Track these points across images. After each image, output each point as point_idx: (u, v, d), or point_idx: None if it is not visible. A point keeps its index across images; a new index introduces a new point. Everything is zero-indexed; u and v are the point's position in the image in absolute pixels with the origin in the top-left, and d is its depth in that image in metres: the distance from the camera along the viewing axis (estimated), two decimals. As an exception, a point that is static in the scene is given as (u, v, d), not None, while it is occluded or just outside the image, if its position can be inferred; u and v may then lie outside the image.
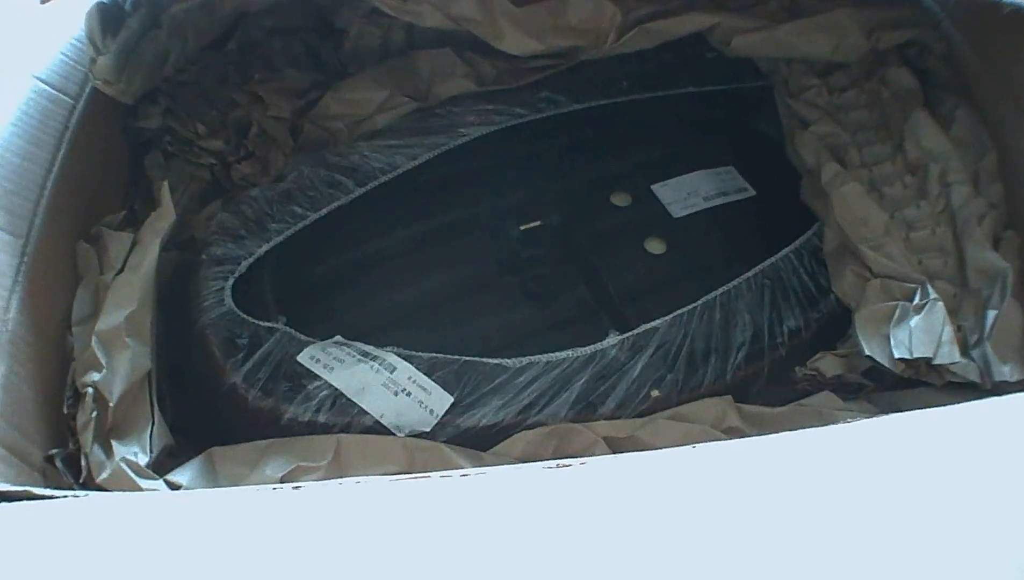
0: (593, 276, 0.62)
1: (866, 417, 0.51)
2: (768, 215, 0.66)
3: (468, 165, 0.65)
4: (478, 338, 0.58)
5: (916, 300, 0.52)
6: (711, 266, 0.62)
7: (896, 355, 0.50)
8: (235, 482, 0.46)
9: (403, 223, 0.64)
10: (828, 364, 0.54)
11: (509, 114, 0.65)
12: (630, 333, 0.54)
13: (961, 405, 0.39)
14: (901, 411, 0.41)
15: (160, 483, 0.45)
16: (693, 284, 0.59)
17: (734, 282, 0.56)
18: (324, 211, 0.59)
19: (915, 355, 0.49)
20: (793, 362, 0.56)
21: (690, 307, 0.55)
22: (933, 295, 0.51)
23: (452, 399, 0.50)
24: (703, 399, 0.51)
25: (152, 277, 0.53)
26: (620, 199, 0.67)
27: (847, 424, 0.39)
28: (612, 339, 0.54)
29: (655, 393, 0.52)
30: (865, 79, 0.64)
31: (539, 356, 0.52)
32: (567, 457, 0.48)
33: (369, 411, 0.49)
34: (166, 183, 0.56)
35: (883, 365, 0.51)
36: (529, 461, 0.49)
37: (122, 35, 0.55)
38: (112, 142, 0.62)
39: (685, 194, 0.66)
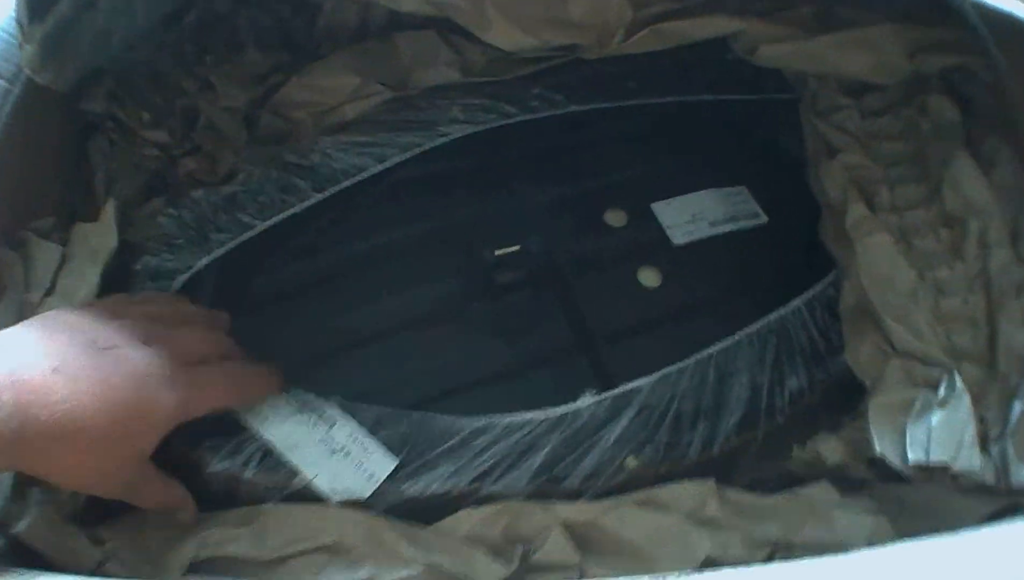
0: (574, 310, 0.55)
1: (867, 516, 0.45)
2: (781, 249, 0.58)
3: (444, 170, 0.58)
4: (436, 375, 0.52)
5: (941, 391, 0.45)
6: (710, 307, 0.55)
7: (911, 456, 0.43)
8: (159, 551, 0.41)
9: (362, 236, 0.57)
10: (830, 449, 0.47)
11: (497, 112, 0.57)
12: (608, 394, 0.47)
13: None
14: (904, 507, 0.41)
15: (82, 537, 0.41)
16: (688, 327, 0.53)
17: (735, 337, 0.50)
18: (274, 220, 0.52)
19: (932, 459, 0.43)
20: (792, 431, 0.49)
21: (680, 365, 0.48)
22: (959, 386, 0.44)
23: (396, 462, 0.44)
24: (682, 482, 0.45)
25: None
26: (615, 217, 0.59)
27: (859, 553, 0.33)
28: (587, 399, 0.47)
29: (631, 462, 0.46)
30: (903, 104, 0.55)
31: (499, 416, 0.46)
32: (518, 539, 0.43)
33: (301, 470, 0.43)
34: (111, 201, 0.50)
35: (895, 466, 0.44)
36: (476, 540, 0.44)
37: (49, 21, 0.47)
38: (51, 131, 0.54)
39: (689, 216, 0.58)
